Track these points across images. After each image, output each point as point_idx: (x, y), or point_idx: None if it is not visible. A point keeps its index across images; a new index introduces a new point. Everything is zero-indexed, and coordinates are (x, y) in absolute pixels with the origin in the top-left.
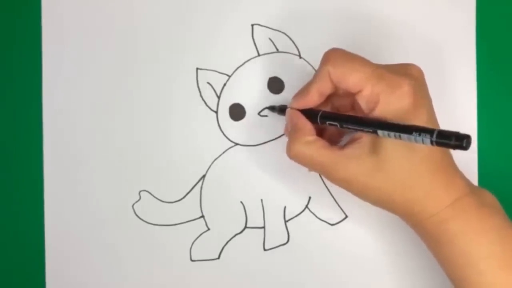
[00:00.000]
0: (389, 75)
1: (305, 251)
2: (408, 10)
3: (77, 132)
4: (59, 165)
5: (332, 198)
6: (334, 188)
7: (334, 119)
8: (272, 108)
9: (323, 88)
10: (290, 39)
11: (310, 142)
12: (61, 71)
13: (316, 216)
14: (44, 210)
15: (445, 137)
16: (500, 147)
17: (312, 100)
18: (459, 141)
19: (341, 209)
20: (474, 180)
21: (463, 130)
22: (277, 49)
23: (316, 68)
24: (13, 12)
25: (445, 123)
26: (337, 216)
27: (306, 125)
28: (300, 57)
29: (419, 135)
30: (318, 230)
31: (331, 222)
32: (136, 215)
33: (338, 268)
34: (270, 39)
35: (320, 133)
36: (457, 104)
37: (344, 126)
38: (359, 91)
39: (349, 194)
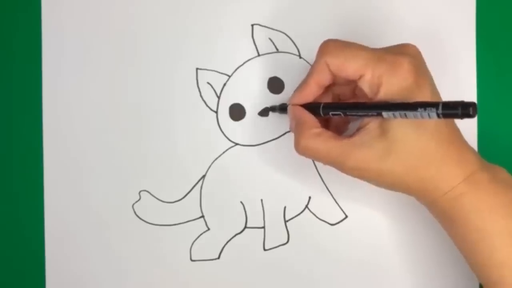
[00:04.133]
0: (388, 56)
1: (305, 251)
2: (408, 7)
3: (77, 132)
4: (59, 165)
5: (332, 198)
6: (334, 188)
7: (337, 108)
8: (273, 109)
9: (322, 79)
10: (290, 39)
11: (317, 135)
12: (61, 71)
13: (316, 216)
14: (44, 210)
15: (451, 108)
16: (499, 117)
17: (312, 93)
18: (466, 109)
19: (341, 209)
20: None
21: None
22: (277, 49)
23: None
24: (13, 12)
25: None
26: (337, 216)
27: (310, 118)
28: (300, 57)
29: (425, 110)
30: (318, 230)
31: (331, 222)
32: (136, 215)
33: (338, 268)
34: (270, 39)
35: (325, 125)
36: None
37: (348, 113)
38: (361, 77)
39: (349, 194)
